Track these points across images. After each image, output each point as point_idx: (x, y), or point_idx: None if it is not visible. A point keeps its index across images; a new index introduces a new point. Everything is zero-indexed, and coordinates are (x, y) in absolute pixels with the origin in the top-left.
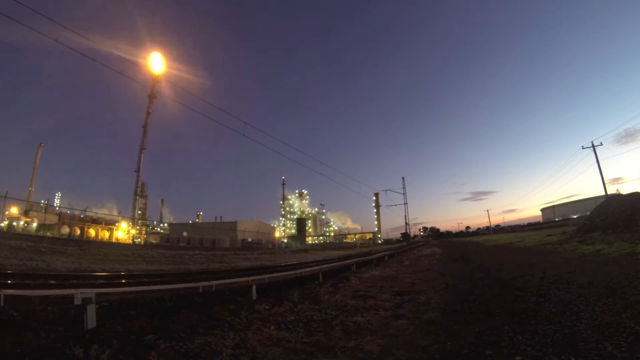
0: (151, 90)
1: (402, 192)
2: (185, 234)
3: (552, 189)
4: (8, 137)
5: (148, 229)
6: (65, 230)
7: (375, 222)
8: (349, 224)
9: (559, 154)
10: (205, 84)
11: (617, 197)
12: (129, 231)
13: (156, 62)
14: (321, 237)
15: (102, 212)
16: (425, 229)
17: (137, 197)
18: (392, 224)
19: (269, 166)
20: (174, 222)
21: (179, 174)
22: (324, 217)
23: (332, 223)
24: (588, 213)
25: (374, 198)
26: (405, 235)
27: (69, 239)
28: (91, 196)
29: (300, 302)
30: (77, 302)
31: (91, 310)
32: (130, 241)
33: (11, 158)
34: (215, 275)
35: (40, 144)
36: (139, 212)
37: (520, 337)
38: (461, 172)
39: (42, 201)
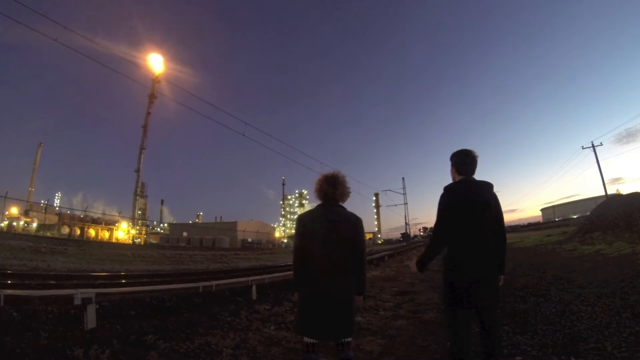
0: (151, 90)
1: (402, 192)
2: (185, 234)
3: (552, 189)
4: (8, 137)
5: (148, 229)
6: (65, 230)
7: (375, 222)
8: None
9: (559, 154)
10: (206, 85)
11: (617, 197)
12: (129, 231)
13: (156, 62)
14: None
15: (100, 212)
16: (425, 229)
17: (137, 197)
18: (392, 224)
19: (269, 166)
20: (174, 222)
21: (179, 174)
22: None
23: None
24: (588, 213)
25: (374, 198)
26: (405, 235)
27: (69, 239)
28: (91, 196)
29: None
30: (77, 302)
31: (91, 310)
32: (130, 241)
33: (11, 158)
34: (215, 275)
35: (40, 144)
36: (139, 212)
37: (520, 337)
38: None
39: (42, 201)
